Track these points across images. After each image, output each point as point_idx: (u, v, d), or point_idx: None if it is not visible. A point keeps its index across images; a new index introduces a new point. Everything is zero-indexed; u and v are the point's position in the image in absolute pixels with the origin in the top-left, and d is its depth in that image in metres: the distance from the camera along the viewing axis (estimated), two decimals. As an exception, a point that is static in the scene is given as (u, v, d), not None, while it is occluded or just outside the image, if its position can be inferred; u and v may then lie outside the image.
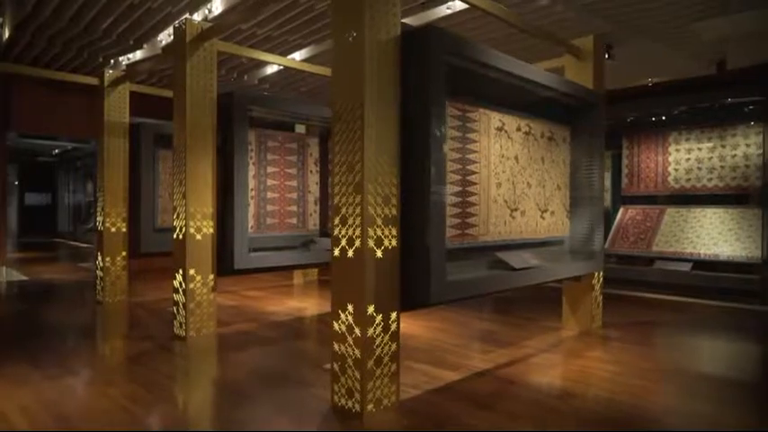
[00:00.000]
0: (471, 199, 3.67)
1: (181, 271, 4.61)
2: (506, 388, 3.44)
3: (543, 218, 4.44)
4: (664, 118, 7.93)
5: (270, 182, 5.30)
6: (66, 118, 8.93)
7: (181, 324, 4.61)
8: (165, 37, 6.57)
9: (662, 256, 7.64)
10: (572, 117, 4.75)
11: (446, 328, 5.11)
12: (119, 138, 6.32)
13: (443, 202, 3.14)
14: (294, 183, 5.51)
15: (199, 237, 4.60)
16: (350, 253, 2.91)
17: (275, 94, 8.88)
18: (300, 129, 5.90)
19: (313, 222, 5.71)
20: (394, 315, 3.04)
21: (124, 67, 7.46)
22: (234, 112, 4.83)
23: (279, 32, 6.41)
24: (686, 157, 7.86)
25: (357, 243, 2.88)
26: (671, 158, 8.04)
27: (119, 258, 6.31)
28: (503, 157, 3.96)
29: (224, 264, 4.77)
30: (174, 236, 4.70)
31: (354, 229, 2.89)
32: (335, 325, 3.02)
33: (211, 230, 4.69)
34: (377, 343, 2.93)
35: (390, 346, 3.02)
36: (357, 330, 2.89)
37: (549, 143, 4.51)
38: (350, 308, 2.92)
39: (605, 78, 5.18)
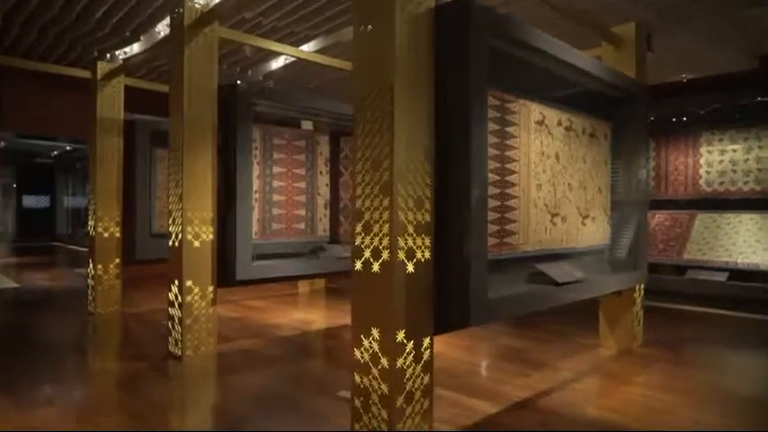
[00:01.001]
0: (510, 203, 3.18)
1: (176, 282, 4.12)
2: (554, 423, 2.94)
3: (584, 224, 3.94)
4: (695, 116, 7.42)
5: (276, 183, 4.82)
6: (60, 116, 8.47)
7: (176, 341, 4.12)
8: (164, 28, 6.10)
9: (694, 264, 7.12)
10: (614, 111, 4.25)
11: (470, 344, 4.61)
12: (112, 135, 5.85)
13: (485, 206, 2.66)
14: (302, 184, 5.03)
15: (197, 244, 4.12)
16: (375, 267, 2.42)
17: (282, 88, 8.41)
18: (308, 126, 5.41)
19: (323, 228, 5.23)
20: (427, 341, 2.54)
21: (120, 61, 7.00)
22: (237, 105, 4.35)
23: (285, 22, 5.95)
24: (719, 159, 7.35)
25: (385, 255, 2.39)
26: (702, 160, 7.53)
27: (112, 266, 5.83)
28: (543, 155, 3.47)
29: (225, 274, 4.28)
30: (170, 243, 4.22)
31: (381, 239, 2.40)
32: (357, 353, 2.53)
33: (211, 237, 4.20)
34: (407, 375, 2.44)
35: (423, 378, 2.52)
36: (384, 361, 2.40)
37: (591, 140, 4.02)
38: (375, 333, 2.43)
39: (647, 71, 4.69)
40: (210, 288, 4.21)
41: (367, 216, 2.47)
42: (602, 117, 4.17)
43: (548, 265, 3.44)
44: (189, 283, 4.08)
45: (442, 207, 2.58)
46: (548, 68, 3.30)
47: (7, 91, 7.91)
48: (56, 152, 17.06)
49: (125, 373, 3.85)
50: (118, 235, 5.86)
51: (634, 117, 4.26)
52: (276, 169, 4.83)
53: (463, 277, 2.51)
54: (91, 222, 5.85)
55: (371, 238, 2.44)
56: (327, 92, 8.68)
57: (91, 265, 5.81)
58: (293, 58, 7.13)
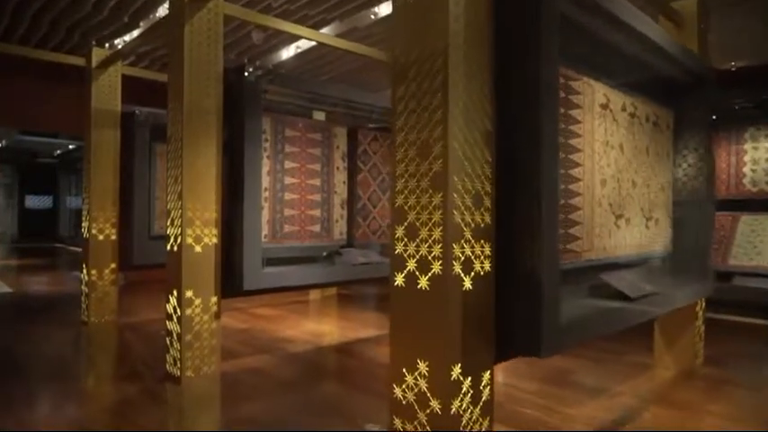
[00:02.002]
0: (574, 201, 2.64)
1: (175, 292, 3.60)
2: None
3: (648, 227, 3.39)
4: (740, 109, 6.83)
5: (288, 180, 4.29)
6: (55, 110, 7.99)
7: (175, 360, 3.60)
8: (165, 12, 5.60)
9: (741, 270, 6.53)
10: (677, 97, 3.70)
11: (510, 365, 4.04)
12: (108, 129, 5.34)
13: (557, 205, 2.11)
14: (317, 181, 4.50)
15: (198, 248, 3.59)
16: (422, 282, 1.89)
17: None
18: (320, 118, 4.89)
19: (339, 230, 4.69)
20: (487, 376, 2.00)
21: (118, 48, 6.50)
22: (245, 91, 3.83)
23: (297, 5, 5.43)
24: (766, 157, 6.76)
25: (436, 267, 1.85)
26: (747, 158, 6.94)
27: (107, 271, 5.32)
28: (607, 144, 2.92)
29: (231, 283, 3.76)
30: (168, 247, 3.70)
31: (431, 246, 1.86)
32: (397, 391, 1.99)
33: (214, 240, 3.68)
34: (464, 421, 1.89)
35: (482, 424, 1.98)
36: (435, 404, 1.85)
37: (654, 130, 3.47)
38: (422, 367, 1.89)
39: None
40: (214, 299, 3.69)
41: (411, 217, 1.93)
42: (664, 103, 3.61)
43: (614, 275, 2.89)
44: (189, 293, 3.56)
45: (504, 205, 2.04)
46: (615, 40, 2.75)
47: (-1, 83, 7.43)
48: (58, 151, 16.64)
49: (114, 399, 3.34)
50: (114, 237, 5.35)
51: (701, 104, 3.69)
52: (288, 164, 4.30)
53: (533, 295, 1.97)
54: (85, 223, 5.35)
55: (417, 246, 1.91)
56: (343, 83, 8.17)
57: (84, 270, 5.31)
58: (304, 48, 6.63)
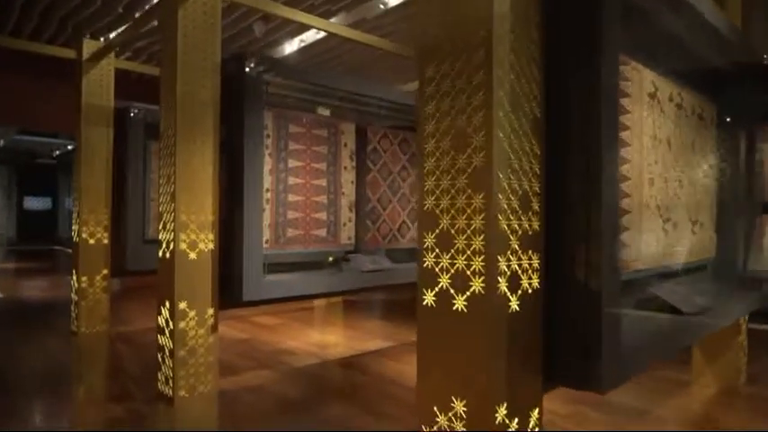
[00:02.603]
0: (622, 203, 2.29)
1: (167, 304, 3.26)
2: None
3: (693, 232, 3.04)
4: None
5: (292, 180, 3.95)
6: (53, 109, 7.67)
7: (167, 379, 3.25)
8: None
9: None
10: (721, 88, 3.34)
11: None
12: (100, 126, 5.01)
13: (617, 209, 1.77)
14: (323, 182, 4.16)
15: (193, 255, 3.25)
16: (459, 302, 1.54)
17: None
18: (325, 113, 4.55)
19: (347, 235, 4.35)
20: (536, 414, 1.65)
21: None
22: (245, 82, 3.50)
23: (302, -6, 5.10)
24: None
25: (476, 284, 1.50)
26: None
27: (98, 277, 4.98)
28: (655, 139, 2.58)
29: (229, 293, 3.42)
30: (160, 254, 3.36)
31: (471, 258, 1.52)
32: (428, 434, 1.64)
33: (211, 246, 3.34)
34: (510, 474, 1.55)
35: (530, 474, 1.63)
36: (476, 453, 1.51)
37: (699, 123, 3.12)
38: (458, 406, 1.54)
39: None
40: (210, 311, 3.35)
41: (445, 222, 1.59)
42: (709, 95, 3.26)
43: (664, 288, 2.54)
44: (183, 305, 3.22)
45: (553, 207, 1.70)
46: (667, 18, 2.41)
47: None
48: (58, 152, 16.33)
49: (93, 422, 3.00)
50: (106, 241, 5.02)
51: (748, 97, 3.34)
52: (292, 163, 3.96)
53: (590, 318, 1.62)
54: (75, 227, 5.02)
55: (452, 258, 1.56)
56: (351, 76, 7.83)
57: (74, 277, 4.97)
58: (309, 41, 6.30)
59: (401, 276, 4.36)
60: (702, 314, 2.47)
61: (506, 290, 1.52)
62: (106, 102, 5.06)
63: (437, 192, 1.61)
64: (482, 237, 1.49)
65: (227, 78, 3.52)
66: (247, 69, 3.52)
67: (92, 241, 4.95)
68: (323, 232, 4.15)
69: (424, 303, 1.64)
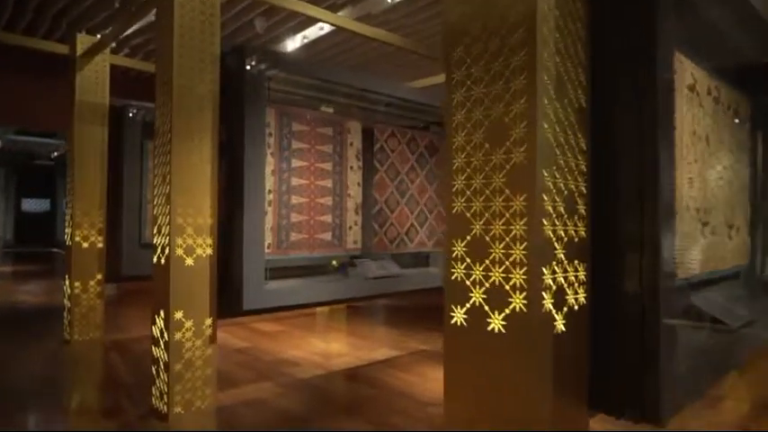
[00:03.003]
0: (664, 206, 2.07)
1: (162, 313, 3.04)
2: None
3: (730, 237, 2.82)
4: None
5: (295, 181, 3.74)
6: (51, 108, 7.45)
7: (161, 394, 3.03)
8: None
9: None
10: (758, 84, 3.13)
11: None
12: (95, 125, 4.80)
13: (674, 212, 1.55)
14: (328, 182, 3.94)
15: (190, 261, 3.03)
16: (496, 322, 1.32)
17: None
18: (328, 110, 4.34)
19: (353, 239, 4.13)
20: (581, 452, 1.43)
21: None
22: (246, 77, 3.29)
23: (306, -13, 4.89)
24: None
25: (517, 301, 1.28)
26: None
27: (92, 283, 4.76)
28: (694, 135, 2.36)
29: (228, 301, 3.20)
30: (155, 260, 3.14)
31: (509, 271, 1.30)
32: (457, 474, 1.41)
33: (209, 251, 3.12)
34: None
35: None
36: (517, 500, 1.28)
37: (734, 119, 2.90)
38: (495, 443, 1.32)
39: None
40: (208, 321, 3.12)
41: (477, 228, 1.37)
42: (743, 90, 3.04)
43: (704, 298, 2.32)
44: (179, 314, 3.00)
45: (601, 211, 1.48)
46: (714, 10, 2.19)
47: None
48: (56, 153, 16.12)
49: (87, 443, 2.78)
50: (100, 245, 4.80)
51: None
52: (296, 163, 3.75)
53: (645, 337, 1.40)
54: (67, 230, 4.80)
55: (486, 270, 1.34)
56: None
57: (67, 282, 4.75)
58: (312, 38, 6.09)
59: (410, 283, 4.14)
60: (748, 326, 2.25)
61: (551, 307, 1.30)
62: (101, 99, 4.85)
63: (468, 192, 1.39)
64: (524, 245, 1.27)
65: (226, 73, 3.31)
66: (248, 64, 3.31)
67: (85, 245, 4.73)
68: (328, 236, 3.94)
69: (453, 322, 1.42)
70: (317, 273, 3.88)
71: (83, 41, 4.79)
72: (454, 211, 1.42)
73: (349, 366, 4.23)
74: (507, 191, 1.31)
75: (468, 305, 1.38)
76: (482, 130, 1.36)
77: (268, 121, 3.53)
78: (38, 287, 8.78)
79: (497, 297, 1.32)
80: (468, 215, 1.39)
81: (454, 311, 1.41)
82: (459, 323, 1.40)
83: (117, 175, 4.94)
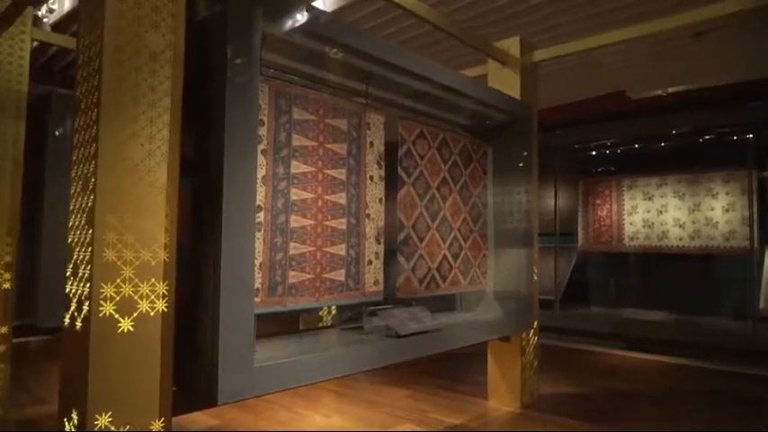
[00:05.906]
0: None
1: (74, 417, 1.74)
2: None
3: None
4: None
5: (297, 194, 2.52)
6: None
7: None
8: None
9: None
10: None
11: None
12: (6, 117, 3.49)
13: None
14: (341, 197, 2.74)
15: (126, 325, 1.75)
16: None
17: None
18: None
19: (374, 278, 2.91)
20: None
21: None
22: (228, 33, 2.10)
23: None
24: None
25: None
26: None
27: (-7, 339, 3.37)
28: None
29: (193, 387, 1.93)
30: (65, 321, 1.84)
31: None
32: None
33: (161, 307, 1.84)
34: None
35: None
36: None
37: None
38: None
39: None
40: (160, 421, 1.84)
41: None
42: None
43: None
44: (104, 419, 1.71)
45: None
46: None
47: None
48: None
49: None
50: (7, 285, 3.42)
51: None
52: (297, 167, 2.54)
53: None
54: (-41, 264, 3.41)
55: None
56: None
57: (-44, 339, 3.34)
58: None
59: (455, 338, 2.97)
60: None
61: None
62: (16, 84, 3.54)
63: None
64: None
65: (195, 22, 2.12)
66: (232, 8, 2.12)
67: (-16, 285, 3.35)
68: (340, 275, 2.71)
69: None
70: (326, 330, 2.64)
71: (-8, 4, 3.49)
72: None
73: (366, 462, 2.97)
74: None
75: None
76: None
77: (259, 103, 2.32)
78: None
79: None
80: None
81: None
82: None
83: (36, 188, 3.59)
